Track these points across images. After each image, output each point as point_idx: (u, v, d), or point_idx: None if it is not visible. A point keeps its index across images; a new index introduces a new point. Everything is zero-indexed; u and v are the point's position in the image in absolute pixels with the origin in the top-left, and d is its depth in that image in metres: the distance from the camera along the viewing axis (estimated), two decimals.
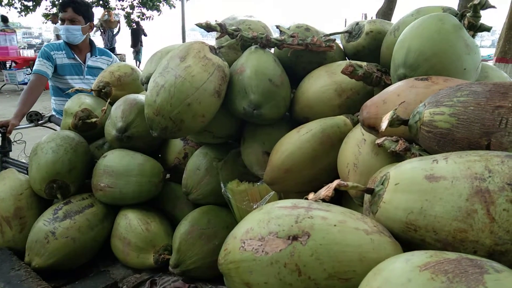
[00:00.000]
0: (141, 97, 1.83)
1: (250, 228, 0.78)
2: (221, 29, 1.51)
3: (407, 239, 0.75)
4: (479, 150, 0.78)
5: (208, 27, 1.51)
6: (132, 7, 17.06)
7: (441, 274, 0.56)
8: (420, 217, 0.72)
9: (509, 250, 0.65)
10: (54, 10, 15.48)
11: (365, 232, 0.74)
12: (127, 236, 1.62)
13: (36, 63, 2.86)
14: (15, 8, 15.08)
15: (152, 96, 1.34)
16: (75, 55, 2.94)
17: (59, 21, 2.93)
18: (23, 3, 14.96)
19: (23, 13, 15.10)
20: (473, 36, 1.25)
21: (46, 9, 15.88)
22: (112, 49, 12.02)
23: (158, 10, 17.14)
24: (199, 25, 1.52)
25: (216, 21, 1.55)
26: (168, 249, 1.61)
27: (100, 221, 1.69)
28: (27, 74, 11.69)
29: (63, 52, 2.92)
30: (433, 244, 0.71)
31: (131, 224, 1.64)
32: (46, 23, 16.46)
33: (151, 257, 1.59)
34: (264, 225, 0.76)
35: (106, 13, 12.99)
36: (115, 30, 13.40)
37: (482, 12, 1.22)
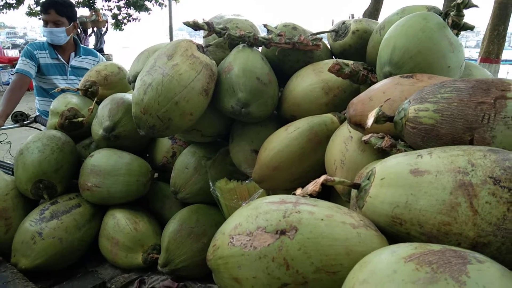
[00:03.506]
0: (128, 96, 1.82)
1: (239, 224, 0.79)
2: (209, 27, 1.51)
3: (393, 233, 0.77)
4: (462, 145, 0.80)
5: (195, 26, 1.51)
6: (119, 8, 16.85)
7: (426, 265, 0.57)
8: (405, 211, 0.73)
9: (492, 242, 0.67)
10: (39, 8, 15.24)
11: (351, 226, 0.75)
12: (115, 235, 1.61)
13: (18, 62, 2.82)
14: None
15: (140, 95, 1.34)
16: (58, 55, 2.90)
17: (42, 23, 2.88)
18: (6, 0, 14.66)
19: (5, 10, 14.79)
20: (457, 34, 1.28)
21: (29, 8, 15.60)
22: (100, 50, 11.86)
23: (148, 9, 16.94)
24: (187, 24, 1.52)
25: (203, 19, 1.55)
26: (157, 248, 1.61)
27: (88, 221, 1.68)
28: (11, 75, 11.52)
29: (46, 52, 2.88)
30: (418, 237, 0.72)
31: (119, 223, 1.63)
32: (28, 22, 16.19)
33: (139, 256, 1.59)
34: (252, 220, 0.77)
35: (94, 13, 12.84)
36: (103, 30, 13.23)
37: (466, 12, 1.24)
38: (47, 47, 2.89)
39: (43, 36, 2.90)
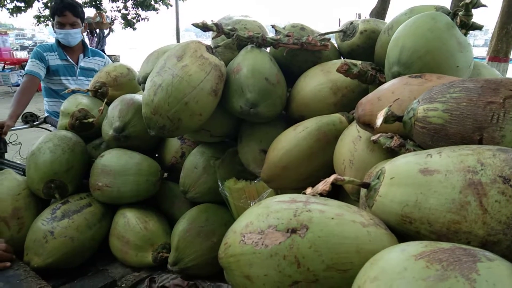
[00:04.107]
0: (138, 96, 1.84)
1: (250, 222, 0.80)
2: (217, 28, 1.53)
3: (403, 231, 0.77)
4: (471, 145, 0.80)
5: (204, 27, 1.52)
6: (126, 7, 16.93)
7: (436, 262, 0.58)
8: (415, 210, 0.74)
9: (501, 240, 0.67)
10: (47, 12, 15.38)
11: (361, 225, 0.76)
12: (125, 234, 1.63)
13: (28, 63, 2.85)
14: (7, 9, 14.95)
15: (150, 96, 1.36)
16: (67, 56, 2.94)
17: (56, 25, 2.91)
18: (16, 4, 14.82)
19: (14, 14, 14.97)
20: (465, 34, 1.28)
21: (38, 10, 15.75)
22: (102, 51, 11.96)
23: (156, 9, 17.01)
24: (196, 25, 1.54)
25: (212, 21, 1.57)
26: (167, 247, 1.63)
27: (98, 220, 1.70)
28: (20, 76, 11.65)
29: (56, 53, 2.91)
30: (428, 236, 0.73)
31: (129, 223, 1.65)
32: (38, 25, 16.30)
33: (149, 255, 1.60)
34: (263, 219, 0.78)
35: (98, 14, 12.94)
36: (106, 32, 13.33)
37: (474, 11, 1.24)
38: (56, 49, 2.92)
39: (59, 38, 2.91)
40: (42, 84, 3.01)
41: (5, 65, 12.30)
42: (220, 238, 0.90)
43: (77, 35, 2.91)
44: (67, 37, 2.88)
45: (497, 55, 6.99)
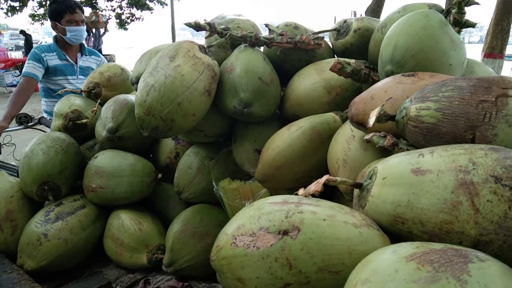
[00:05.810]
0: (131, 97, 1.83)
1: (241, 224, 0.79)
2: (210, 28, 1.52)
3: (395, 232, 0.77)
4: (464, 144, 0.80)
5: (197, 27, 1.51)
6: (120, 7, 16.85)
7: (427, 264, 0.58)
8: (407, 210, 0.74)
9: (493, 240, 0.67)
10: (42, 10, 15.30)
11: (353, 226, 0.75)
12: (120, 236, 1.62)
13: (26, 65, 2.83)
14: (2, 9, 14.87)
15: (143, 96, 1.35)
16: (66, 56, 2.93)
17: (67, 23, 2.88)
18: (10, 3, 14.74)
19: (9, 14, 14.90)
20: (459, 32, 1.27)
21: (33, 9, 15.66)
22: (99, 51, 11.92)
23: (150, 9, 16.93)
24: (188, 25, 1.53)
25: (205, 20, 1.56)
26: (161, 249, 1.62)
27: (93, 222, 1.69)
28: (15, 76, 11.58)
29: (54, 53, 2.90)
30: (420, 236, 0.73)
31: (123, 224, 1.64)
32: (33, 24, 16.23)
33: (144, 256, 1.60)
34: (255, 221, 0.78)
35: (94, 14, 12.88)
36: (102, 31, 13.28)
37: (468, 9, 1.24)
38: (55, 49, 2.91)
39: (69, 37, 2.88)
40: (40, 85, 2.99)
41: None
42: (214, 239, 0.89)
43: (85, 32, 2.98)
44: (81, 34, 2.92)
45: (492, 52, 7.01)
